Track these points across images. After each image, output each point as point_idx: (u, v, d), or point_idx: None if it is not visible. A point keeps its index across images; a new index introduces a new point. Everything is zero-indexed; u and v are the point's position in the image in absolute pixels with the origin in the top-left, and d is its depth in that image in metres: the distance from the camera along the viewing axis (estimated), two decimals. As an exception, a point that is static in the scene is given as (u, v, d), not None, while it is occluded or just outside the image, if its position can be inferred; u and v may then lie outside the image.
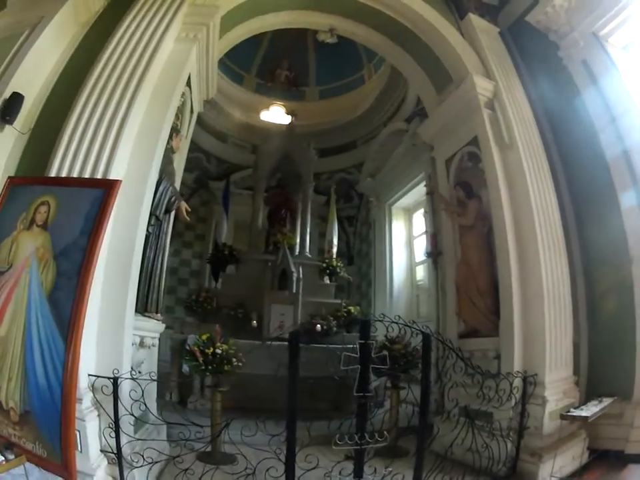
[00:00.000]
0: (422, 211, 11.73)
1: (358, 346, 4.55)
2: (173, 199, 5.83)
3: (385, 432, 4.61)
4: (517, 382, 5.57)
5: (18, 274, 3.92)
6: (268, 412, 4.45)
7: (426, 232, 10.66)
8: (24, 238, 4.09)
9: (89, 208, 4.06)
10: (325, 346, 7.64)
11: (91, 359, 4.17)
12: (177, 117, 6.65)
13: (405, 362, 6.44)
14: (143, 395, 4.27)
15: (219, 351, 5.87)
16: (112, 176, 4.61)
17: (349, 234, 15.36)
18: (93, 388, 4.09)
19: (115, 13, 6.03)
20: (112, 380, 4.06)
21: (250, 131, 15.38)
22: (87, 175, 4.60)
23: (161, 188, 5.58)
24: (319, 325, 8.85)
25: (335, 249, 11.94)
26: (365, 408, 4.55)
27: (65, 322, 3.66)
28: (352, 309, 9.86)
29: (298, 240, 11.45)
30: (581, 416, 4.95)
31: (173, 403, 7.69)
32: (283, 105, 15.22)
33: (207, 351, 5.87)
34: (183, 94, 6.52)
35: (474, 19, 7.64)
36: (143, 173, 5.08)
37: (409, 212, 12.98)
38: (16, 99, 4.85)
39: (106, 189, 4.21)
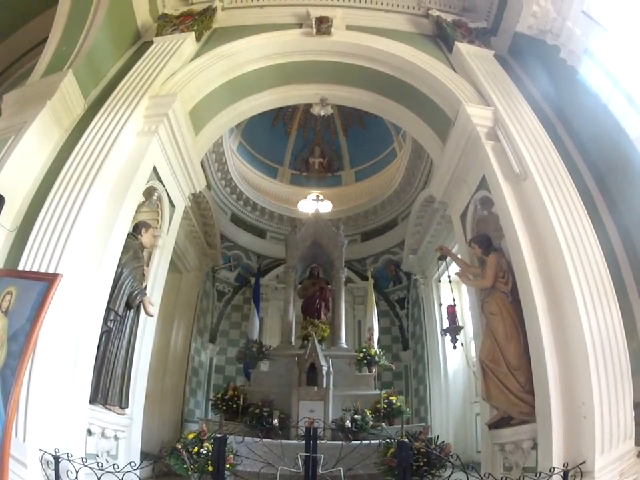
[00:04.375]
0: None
1: (301, 460, 3.65)
2: (134, 293, 5.65)
3: None
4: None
5: (-14, 352, 4.37)
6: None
7: (440, 305, 9.73)
8: (-7, 322, 4.49)
9: (35, 298, 4.39)
10: (357, 442, 6.60)
11: (43, 435, 4.25)
12: (156, 212, 6.73)
13: (427, 462, 5.20)
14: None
15: (203, 451, 5.48)
16: (61, 270, 4.73)
17: (402, 317, 14.33)
18: (42, 461, 4.18)
19: (92, 115, 6.20)
20: (53, 457, 4.17)
21: (288, 223, 15.02)
22: (43, 269, 4.79)
23: (119, 282, 5.50)
24: (348, 422, 7.79)
25: (376, 336, 10.90)
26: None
27: (7, 395, 4.03)
28: (394, 399, 8.81)
29: (335, 330, 10.78)
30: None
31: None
32: (320, 193, 14.91)
33: (191, 450, 5.52)
34: (156, 189, 6.54)
35: (462, 47, 7.12)
36: (93, 267, 5.13)
37: (457, 284, 11.83)
38: (-3, 200, 5.12)
39: (49, 282, 4.48)
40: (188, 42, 7.35)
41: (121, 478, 4.11)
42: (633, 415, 4.54)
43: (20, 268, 4.80)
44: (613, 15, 5.79)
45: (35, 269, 4.76)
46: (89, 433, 4.91)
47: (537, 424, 4.83)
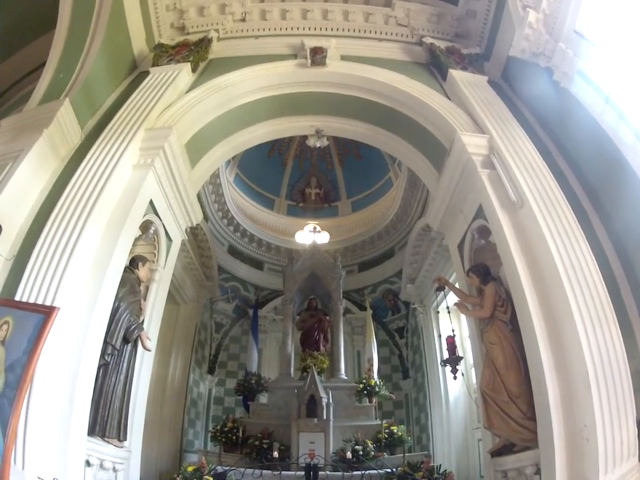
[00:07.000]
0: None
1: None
2: (132, 328, 5.63)
3: None
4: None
5: (-18, 381, 4.41)
6: None
7: (439, 336, 9.90)
8: (-11, 351, 4.52)
9: (31, 331, 4.37)
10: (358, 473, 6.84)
11: (42, 464, 4.21)
12: (153, 246, 6.69)
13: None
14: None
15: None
16: (58, 302, 4.71)
17: (401, 346, 14.19)
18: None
19: (88, 146, 6.17)
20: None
21: (286, 254, 14.99)
22: (40, 300, 4.74)
23: (116, 317, 5.46)
24: (349, 453, 7.74)
25: (375, 367, 10.83)
26: None
27: (5, 423, 4.04)
28: (395, 428, 8.83)
29: (334, 361, 10.88)
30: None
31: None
32: (316, 224, 14.94)
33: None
34: (152, 222, 6.51)
35: (456, 74, 7.18)
36: (90, 300, 5.08)
37: (456, 313, 11.75)
38: (-7, 228, 5.06)
39: (45, 315, 4.46)
40: (184, 73, 7.40)
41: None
42: (637, 432, 4.48)
43: (17, 298, 4.77)
44: (605, 31, 5.76)
45: (32, 300, 4.73)
46: (88, 464, 4.88)
47: (539, 449, 4.76)
